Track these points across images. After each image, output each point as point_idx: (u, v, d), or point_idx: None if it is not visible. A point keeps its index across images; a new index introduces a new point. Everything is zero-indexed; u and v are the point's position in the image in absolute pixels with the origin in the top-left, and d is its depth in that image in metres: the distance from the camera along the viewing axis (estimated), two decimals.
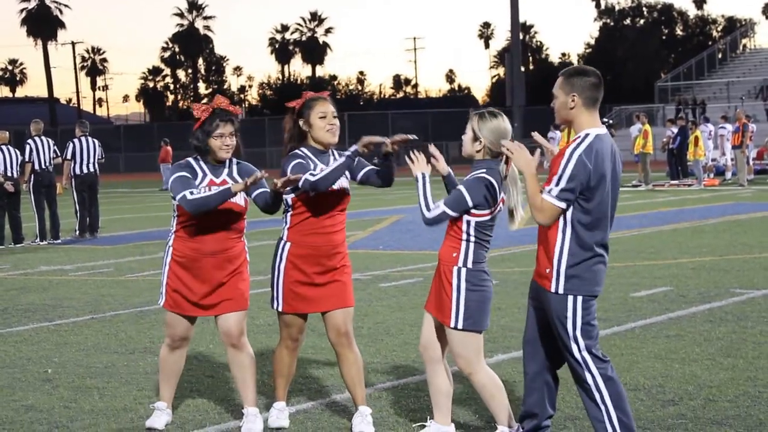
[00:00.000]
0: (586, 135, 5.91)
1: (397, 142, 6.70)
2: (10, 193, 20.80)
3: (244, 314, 7.06)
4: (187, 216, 6.85)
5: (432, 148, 6.67)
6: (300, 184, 6.65)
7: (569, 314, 5.92)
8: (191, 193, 6.72)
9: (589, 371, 5.93)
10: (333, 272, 6.90)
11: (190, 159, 6.99)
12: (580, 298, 5.92)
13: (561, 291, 5.92)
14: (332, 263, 6.89)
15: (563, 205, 5.84)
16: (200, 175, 6.91)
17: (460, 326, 6.29)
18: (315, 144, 6.89)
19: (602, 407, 5.93)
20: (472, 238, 6.30)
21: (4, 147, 21.00)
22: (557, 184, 5.83)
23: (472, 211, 6.24)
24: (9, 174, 20.81)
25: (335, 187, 6.78)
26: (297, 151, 6.87)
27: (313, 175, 6.64)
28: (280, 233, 6.95)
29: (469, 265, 6.30)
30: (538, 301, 6.13)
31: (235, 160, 7.04)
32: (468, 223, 6.27)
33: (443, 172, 6.57)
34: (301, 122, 6.90)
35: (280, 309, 6.93)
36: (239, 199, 6.91)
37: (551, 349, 6.17)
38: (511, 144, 6.11)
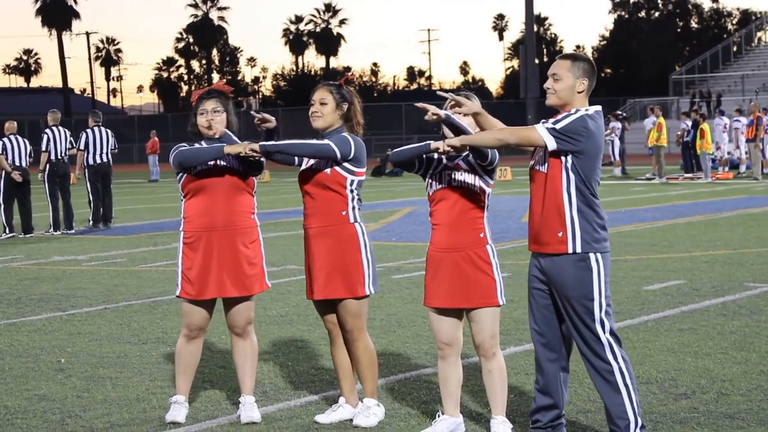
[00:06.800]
0: (587, 108, 5.93)
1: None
2: (19, 183, 20.78)
3: (252, 302, 7.06)
4: (193, 192, 6.90)
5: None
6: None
7: (594, 271, 5.83)
8: (184, 145, 6.92)
9: (613, 353, 5.89)
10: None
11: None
12: (599, 255, 5.87)
13: (579, 250, 5.84)
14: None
15: (551, 138, 5.77)
16: None
17: (504, 301, 6.34)
18: None
19: (623, 390, 5.88)
20: (487, 212, 6.33)
21: (12, 137, 20.91)
22: (553, 124, 5.82)
23: (491, 182, 6.31)
24: (17, 164, 20.78)
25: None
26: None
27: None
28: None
29: (492, 240, 6.35)
30: (543, 279, 6.01)
31: (234, 138, 7.06)
32: (488, 196, 6.31)
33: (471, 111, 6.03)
34: None
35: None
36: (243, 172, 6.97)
37: (563, 336, 6.10)
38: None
